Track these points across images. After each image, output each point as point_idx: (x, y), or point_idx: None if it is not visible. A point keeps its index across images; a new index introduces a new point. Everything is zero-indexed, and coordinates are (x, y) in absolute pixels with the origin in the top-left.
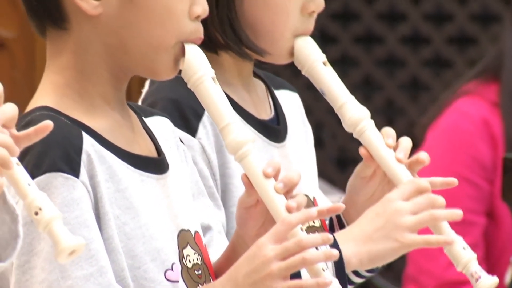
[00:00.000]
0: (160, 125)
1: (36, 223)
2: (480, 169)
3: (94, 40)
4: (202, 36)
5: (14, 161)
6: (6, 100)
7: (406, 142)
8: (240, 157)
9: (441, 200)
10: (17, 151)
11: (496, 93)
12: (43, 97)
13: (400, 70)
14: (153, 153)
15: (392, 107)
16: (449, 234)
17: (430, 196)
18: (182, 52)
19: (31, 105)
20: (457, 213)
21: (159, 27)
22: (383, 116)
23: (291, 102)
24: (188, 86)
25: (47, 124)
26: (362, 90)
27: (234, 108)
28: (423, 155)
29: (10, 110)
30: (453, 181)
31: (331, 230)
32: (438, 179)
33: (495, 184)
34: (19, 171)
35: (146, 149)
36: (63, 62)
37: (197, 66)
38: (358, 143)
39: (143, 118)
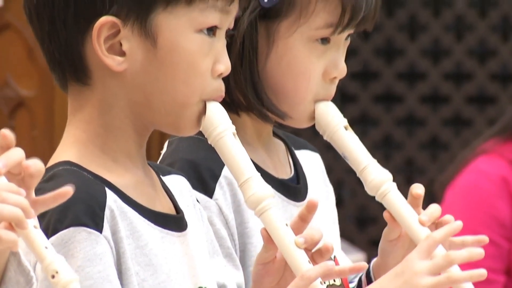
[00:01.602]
0: (177, 183)
1: (53, 286)
2: (499, 228)
3: (118, 95)
4: (224, 94)
5: (32, 223)
6: (27, 159)
7: (434, 208)
8: (260, 212)
9: (461, 257)
10: (33, 213)
11: None
12: (65, 152)
13: (419, 129)
14: (172, 211)
15: (412, 166)
16: None
17: (449, 255)
18: (205, 109)
19: (53, 160)
20: (478, 274)
21: (183, 84)
22: (403, 175)
23: (312, 162)
24: (209, 142)
25: (67, 190)
26: (382, 149)
27: None
28: (448, 218)
29: (36, 166)
30: (484, 238)
31: None
32: (469, 238)
33: None
34: (36, 234)
35: (166, 207)
36: (85, 117)
37: (218, 122)
38: (378, 203)
39: (160, 176)
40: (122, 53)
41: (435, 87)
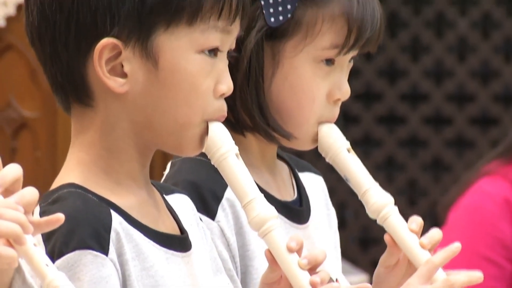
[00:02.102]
0: (181, 202)
1: None
2: (502, 249)
3: (120, 117)
4: (226, 114)
5: (31, 240)
6: (30, 180)
7: (435, 232)
8: (264, 233)
9: (460, 281)
10: (31, 229)
11: None
12: (69, 174)
13: (422, 150)
14: (176, 231)
15: (415, 188)
16: None
17: (449, 280)
18: (207, 130)
19: (57, 182)
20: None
21: (185, 105)
22: (406, 196)
23: (315, 185)
24: (212, 163)
25: (59, 217)
26: (385, 170)
27: None
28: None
29: (30, 194)
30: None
31: None
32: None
33: None
34: (36, 251)
35: (170, 227)
36: (88, 139)
37: (221, 143)
38: (380, 225)
39: (164, 195)
40: (124, 75)
41: (437, 108)
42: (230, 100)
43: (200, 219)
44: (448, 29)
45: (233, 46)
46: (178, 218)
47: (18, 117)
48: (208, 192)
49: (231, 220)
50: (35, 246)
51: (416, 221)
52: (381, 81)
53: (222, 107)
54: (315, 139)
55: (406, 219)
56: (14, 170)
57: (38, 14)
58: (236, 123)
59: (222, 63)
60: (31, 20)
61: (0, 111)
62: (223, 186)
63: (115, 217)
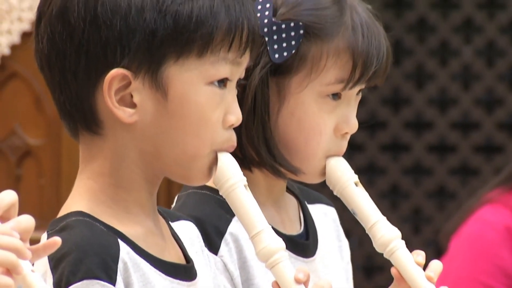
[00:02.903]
0: (186, 229)
1: None
2: (503, 277)
3: (129, 147)
4: (235, 144)
5: (29, 267)
6: (34, 207)
7: (436, 264)
8: (272, 264)
9: None
10: (28, 254)
11: None
12: (77, 202)
13: (427, 178)
14: (182, 260)
15: (419, 215)
16: None
17: None
18: (216, 160)
19: (65, 210)
20: None
21: (194, 136)
22: (410, 224)
23: (325, 217)
24: (220, 193)
25: (55, 241)
26: (389, 198)
27: None
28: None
29: (26, 221)
30: None
31: None
32: None
33: None
34: (34, 278)
35: (175, 256)
36: (97, 167)
37: (230, 174)
38: None
39: (170, 222)
40: (133, 105)
41: (442, 136)
42: (237, 135)
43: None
44: (452, 57)
45: (243, 75)
46: (184, 246)
47: (22, 145)
48: (211, 227)
49: (234, 254)
50: (33, 273)
51: (422, 254)
52: (385, 109)
53: (231, 138)
54: (323, 172)
55: (411, 247)
56: (10, 196)
57: (48, 42)
58: (243, 158)
59: (231, 94)
60: (41, 48)
61: (4, 138)
62: (227, 221)
63: (123, 247)
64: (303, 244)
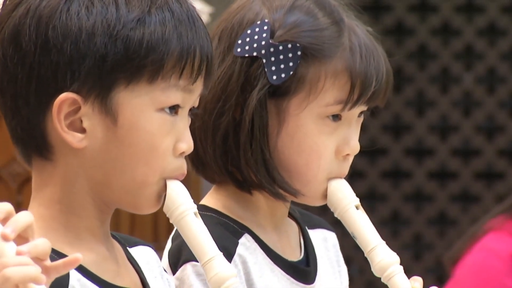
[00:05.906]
0: (144, 254)
1: None
2: None
3: (79, 173)
4: (185, 172)
5: None
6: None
7: None
8: None
9: None
10: (43, 279)
11: None
12: None
13: (427, 205)
14: (137, 285)
15: (420, 242)
16: None
17: None
18: (165, 187)
19: None
20: None
21: (143, 164)
22: (411, 251)
23: (326, 242)
24: (170, 221)
25: (76, 258)
26: (390, 225)
27: (263, 249)
28: None
29: (43, 244)
30: None
31: None
32: None
33: None
34: None
35: (130, 282)
36: (48, 194)
37: (179, 201)
38: None
39: (127, 248)
40: (83, 130)
41: (443, 163)
42: (235, 158)
43: (165, 270)
44: (453, 84)
45: (196, 104)
46: (141, 271)
47: (23, 172)
48: (220, 249)
49: (242, 276)
50: None
51: (419, 280)
52: (386, 136)
53: (181, 166)
54: (325, 195)
55: (411, 274)
56: (26, 217)
57: (0, 66)
58: (243, 181)
59: (182, 121)
60: None
61: (5, 165)
62: (235, 243)
63: (73, 275)
64: (304, 270)
